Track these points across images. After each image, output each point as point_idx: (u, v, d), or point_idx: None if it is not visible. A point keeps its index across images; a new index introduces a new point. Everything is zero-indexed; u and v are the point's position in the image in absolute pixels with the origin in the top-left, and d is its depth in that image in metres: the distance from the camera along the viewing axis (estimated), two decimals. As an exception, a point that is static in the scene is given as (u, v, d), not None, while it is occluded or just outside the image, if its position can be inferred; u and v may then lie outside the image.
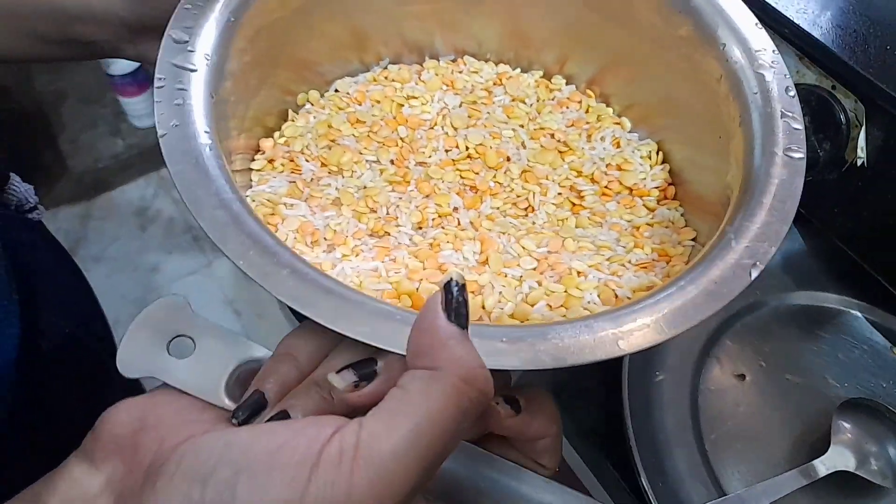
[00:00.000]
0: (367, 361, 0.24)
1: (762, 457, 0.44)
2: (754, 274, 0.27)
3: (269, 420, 0.24)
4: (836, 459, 0.42)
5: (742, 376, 0.47)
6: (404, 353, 0.23)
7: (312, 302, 0.24)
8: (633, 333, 0.25)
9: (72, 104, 1.66)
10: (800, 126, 0.31)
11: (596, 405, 0.48)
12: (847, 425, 0.43)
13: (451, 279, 0.23)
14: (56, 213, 1.50)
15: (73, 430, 0.25)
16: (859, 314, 0.51)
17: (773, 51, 0.35)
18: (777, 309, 0.51)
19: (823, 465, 0.42)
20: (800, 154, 0.30)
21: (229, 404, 0.25)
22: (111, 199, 1.57)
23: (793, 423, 0.46)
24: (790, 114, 0.32)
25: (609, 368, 0.48)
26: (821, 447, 0.43)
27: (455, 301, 0.22)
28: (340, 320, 0.24)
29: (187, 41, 0.30)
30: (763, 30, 0.35)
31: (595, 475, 0.44)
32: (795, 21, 0.44)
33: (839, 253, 0.47)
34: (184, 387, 0.25)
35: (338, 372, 0.23)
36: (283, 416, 0.24)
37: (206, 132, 0.28)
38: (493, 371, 0.23)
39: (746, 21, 0.36)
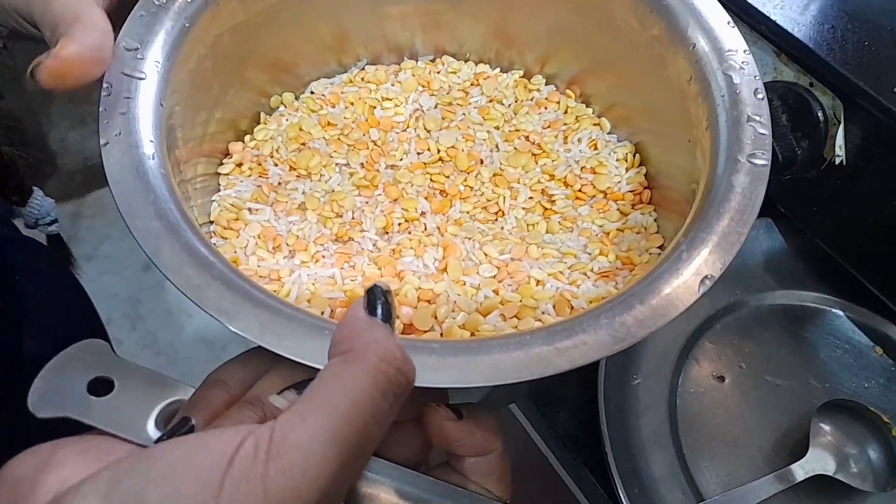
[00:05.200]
0: (308, 381, 0.23)
1: (741, 460, 0.43)
2: (703, 289, 0.26)
3: None
4: (815, 463, 0.41)
5: (721, 378, 0.47)
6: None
7: (240, 315, 0.24)
8: (569, 350, 0.24)
9: (60, 103, 1.65)
10: (766, 131, 0.30)
11: (573, 409, 0.48)
12: (827, 427, 0.43)
13: (376, 284, 0.23)
14: (47, 213, 1.50)
15: None
16: (841, 313, 0.50)
17: (745, 51, 0.33)
18: (758, 309, 0.50)
19: (802, 469, 0.41)
20: (763, 161, 0.29)
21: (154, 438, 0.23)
22: (101, 197, 1.57)
23: (773, 425, 0.45)
24: (757, 118, 0.31)
25: (585, 372, 0.48)
26: (801, 450, 0.42)
27: (378, 302, 0.22)
28: (268, 335, 0.23)
29: (137, 48, 0.29)
30: (736, 29, 0.34)
31: (572, 479, 0.44)
32: (773, 17, 0.43)
33: (820, 251, 0.47)
34: (103, 425, 0.23)
35: (279, 393, 0.23)
36: None
37: (150, 141, 0.28)
38: (428, 389, 0.23)
39: (719, 20, 0.35)
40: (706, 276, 0.26)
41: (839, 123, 0.42)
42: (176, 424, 0.23)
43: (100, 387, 0.24)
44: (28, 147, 1.58)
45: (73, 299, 0.60)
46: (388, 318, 0.22)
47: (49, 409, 0.23)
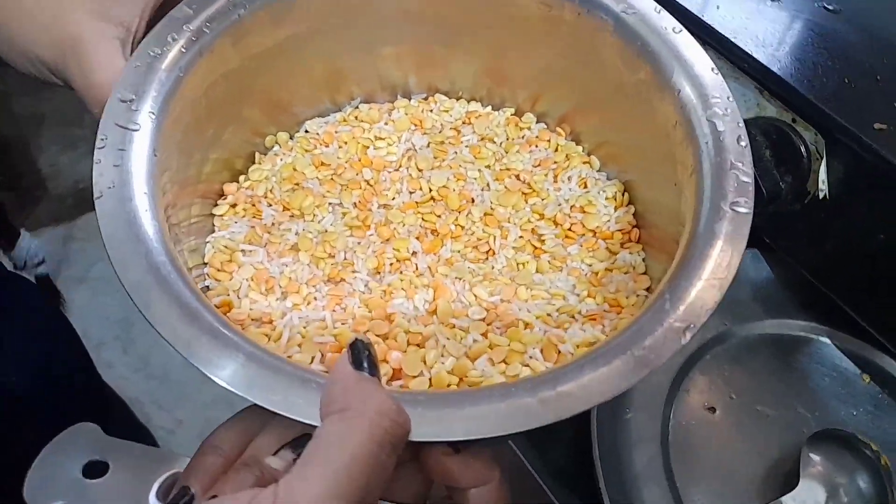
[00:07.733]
0: (302, 438, 0.24)
1: (733, 491, 0.44)
2: (685, 339, 0.26)
3: None
4: (806, 495, 0.42)
5: (713, 409, 0.47)
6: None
7: (228, 369, 0.24)
8: (552, 402, 0.24)
9: (51, 126, 1.65)
10: (748, 179, 0.31)
11: (566, 444, 0.48)
12: (817, 458, 0.43)
13: (357, 339, 0.24)
14: (38, 236, 1.49)
15: None
16: (828, 341, 0.51)
17: (729, 98, 0.34)
18: (746, 338, 0.51)
19: (793, 501, 0.41)
20: (745, 209, 0.30)
21: None
22: (93, 219, 1.54)
23: (764, 455, 0.45)
24: (740, 165, 0.31)
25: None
26: (792, 479, 0.43)
27: (363, 356, 0.23)
28: (255, 388, 0.23)
29: (132, 100, 0.30)
30: (719, 75, 0.35)
31: (566, 514, 0.44)
32: (754, 55, 0.44)
33: (807, 281, 0.47)
34: None
35: (275, 454, 0.23)
36: None
37: (144, 193, 0.28)
38: None
39: (703, 66, 0.35)
40: (689, 325, 0.27)
41: (822, 158, 0.43)
42: (176, 495, 0.23)
43: (94, 469, 0.24)
44: (17, 171, 1.58)
45: (57, 332, 0.60)
46: (375, 370, 0.23)
47: (45, 498, 0.23)
